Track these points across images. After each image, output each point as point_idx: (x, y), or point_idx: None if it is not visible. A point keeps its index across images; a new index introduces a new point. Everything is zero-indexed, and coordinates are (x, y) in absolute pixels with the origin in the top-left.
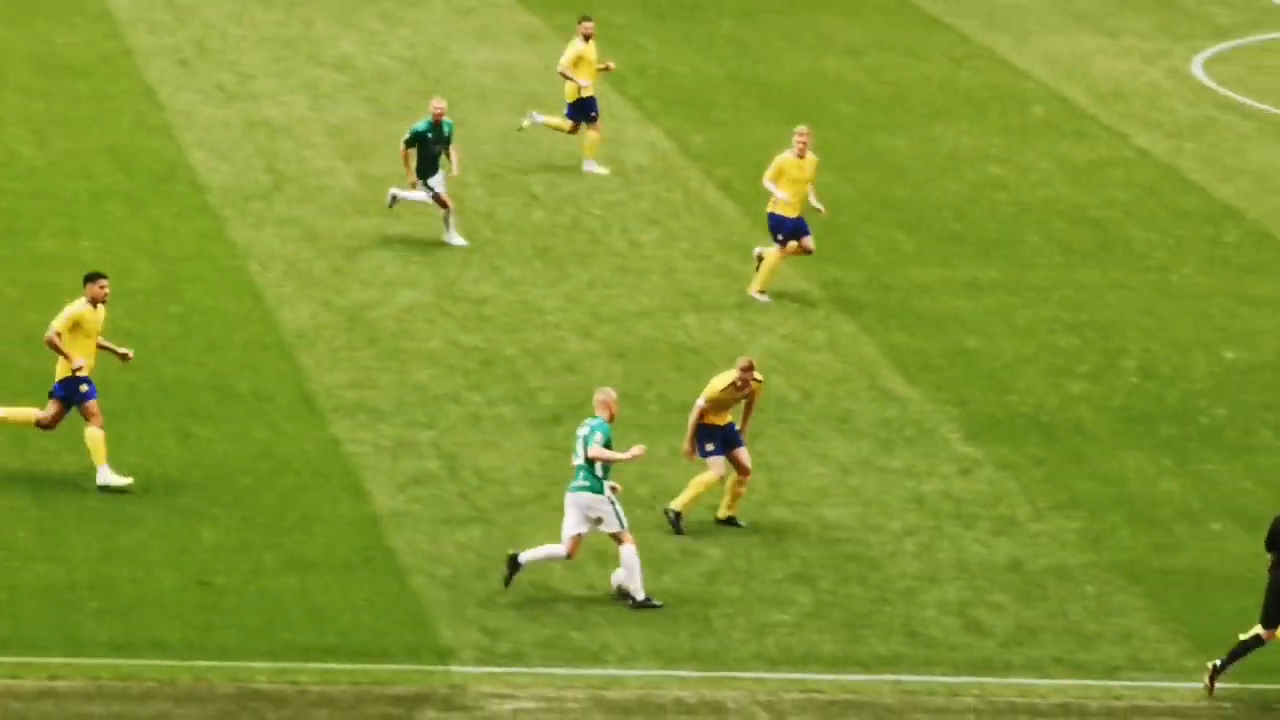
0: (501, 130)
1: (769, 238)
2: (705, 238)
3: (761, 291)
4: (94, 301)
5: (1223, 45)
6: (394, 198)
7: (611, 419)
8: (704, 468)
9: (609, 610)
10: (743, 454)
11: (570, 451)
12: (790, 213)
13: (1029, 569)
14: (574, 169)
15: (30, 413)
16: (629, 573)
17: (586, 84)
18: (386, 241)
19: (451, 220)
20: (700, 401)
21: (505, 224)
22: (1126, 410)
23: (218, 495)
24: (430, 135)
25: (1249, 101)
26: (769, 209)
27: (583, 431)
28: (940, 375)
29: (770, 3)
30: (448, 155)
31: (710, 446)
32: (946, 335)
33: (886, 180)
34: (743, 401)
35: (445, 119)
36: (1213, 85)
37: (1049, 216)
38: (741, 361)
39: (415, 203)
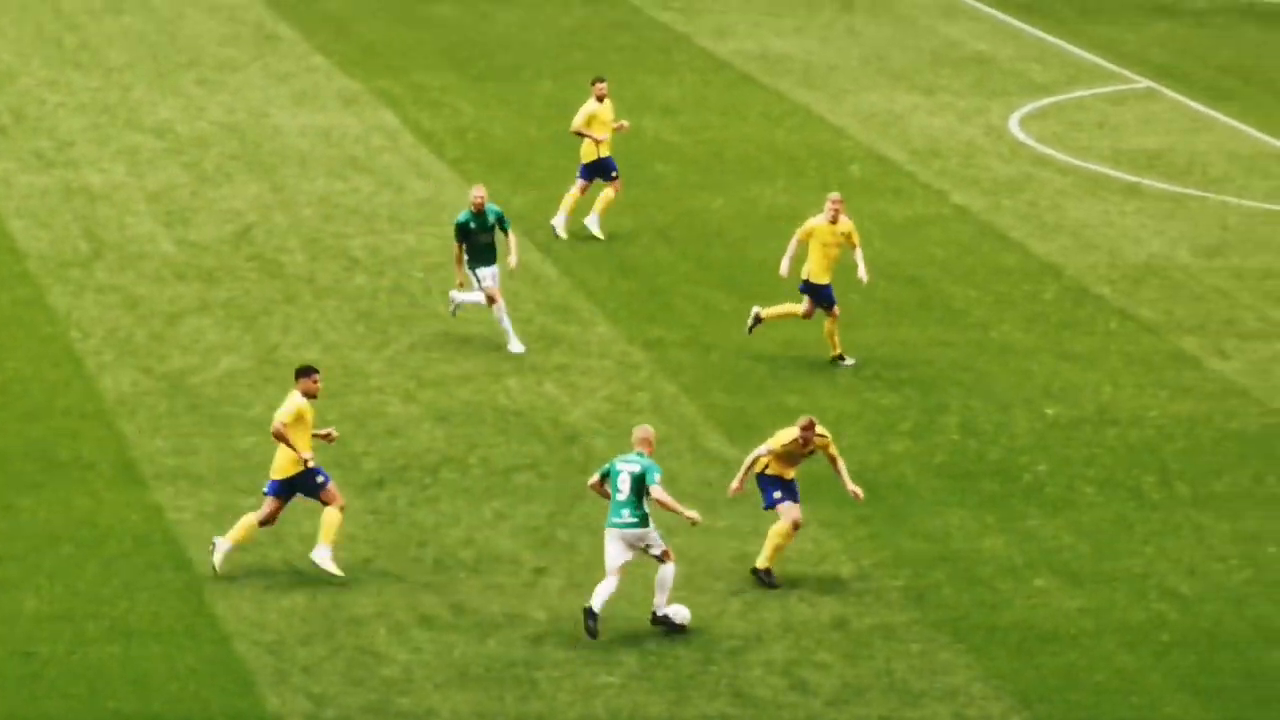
0: (322, 194)
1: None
2: (526, 300)
3: (841, 356)
4: (308, 395)
5: (1038, 102)
6: (454, 305)
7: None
8: (775, 517)
9: (435, 674)
10: (795, 510)
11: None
12: (823, 279)
13: (854, 627)
14: (394, 232)
15: (250, 521)
16: (662, 588)
17: (604, 138)
18: (206, 307)
19: (506, 320)
20: (762, 449)
21: (326, 288)
22: (949, 467)
23: (39, 564)
24: (474, 225)
25: (1065, 158)
26: (806, 278)
27: (631, 469)
28: (762, 435)
29: (587, 63)
30: (504, 244)
31: (778, 495)
32: (767, 395)
33: (704, 240)
34: (824, 458)
35: (488, 205)
36: (1029, 142)
37: (868, 274)
38: (801, 420)
39: (474, 305)
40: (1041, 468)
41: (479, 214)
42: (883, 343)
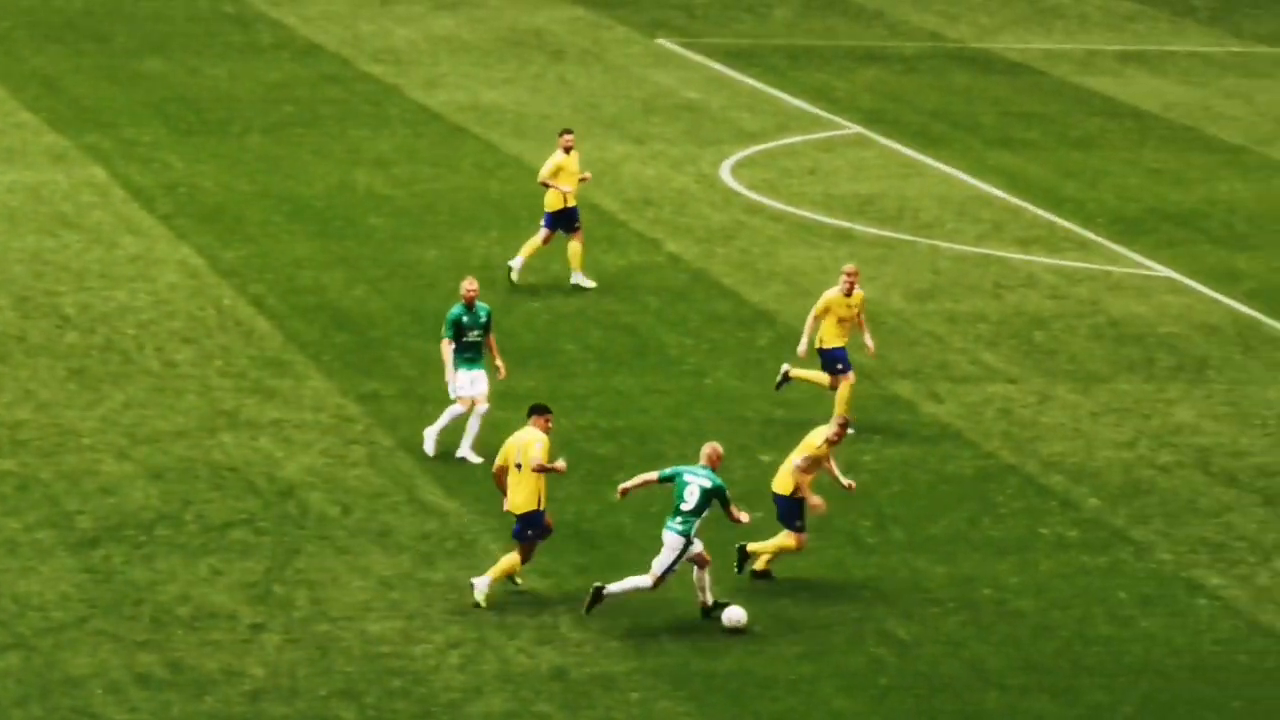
0: (32, 251)
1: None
2: (239, 355)
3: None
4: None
5: (749, 150)
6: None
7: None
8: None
9: None
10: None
11: None
12: (840, 343)
13: (573, 677)
14: (106, 289)
15: (510, 561)
16: (703, 586)
17: (569, 189)
18: None
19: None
20: (799, 461)
21: (38, 346)
22: (665, 516)
23: None
24: (465, 321)
25: (777, 205)
26: (819, 346)
27: (702, 484)
28: (479, 487)
29: (297, 116)
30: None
31: (799, 524)
32: (489, 446)
33: (418, 292)
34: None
35: (479, 303)
36: (741, 190)
37: (583, 324)
38: (837, 419)
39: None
40: (758, 514)
41: (470, 310)
42: (598, 392)
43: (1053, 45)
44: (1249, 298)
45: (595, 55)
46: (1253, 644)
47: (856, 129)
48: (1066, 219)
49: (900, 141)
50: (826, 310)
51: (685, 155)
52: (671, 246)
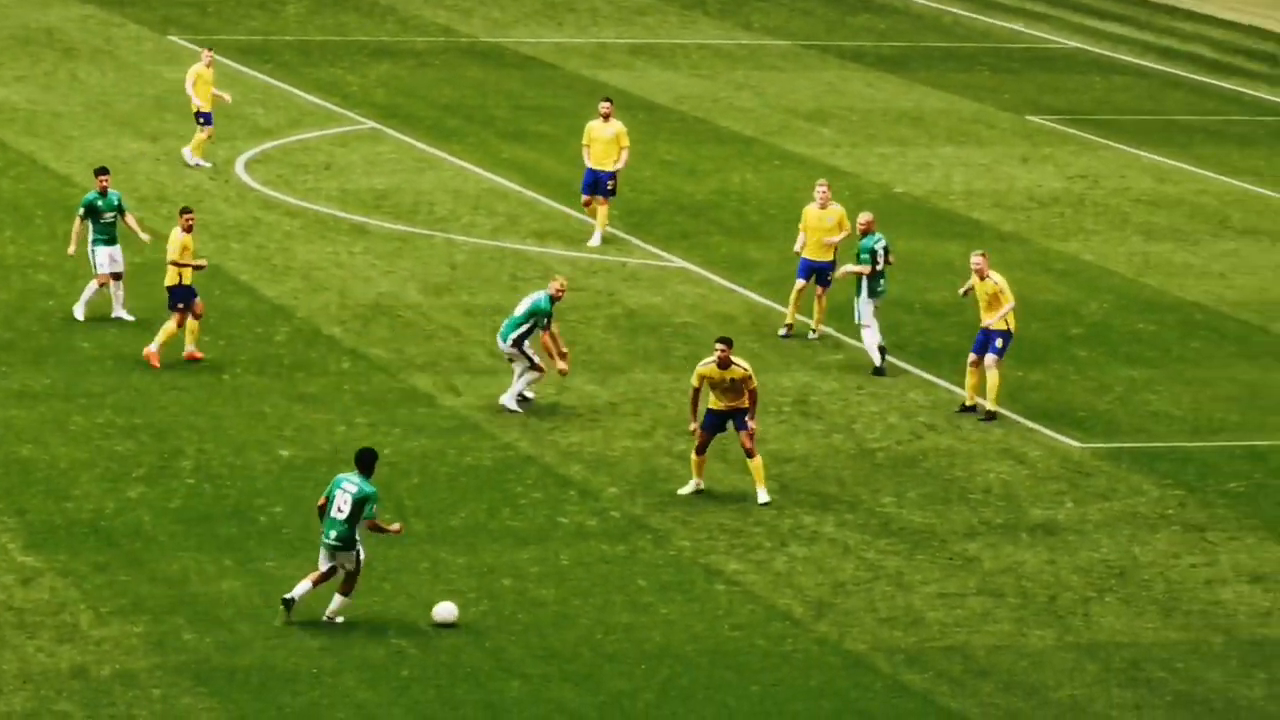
0: None
1: None
2: None
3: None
4: None
5: (263, 146)
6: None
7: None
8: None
9: None
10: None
11: None
12: (813, 257)
13: (94, 676)
14: None
15: None
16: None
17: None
18: None
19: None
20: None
21: None
22: (185, 511)
23: None
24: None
25: (292, 200)
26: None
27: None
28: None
29: None
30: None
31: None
32: (2, 445)
33: None
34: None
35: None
36: (256, 186)
37: (99, 323)
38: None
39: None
40: (278, 509)
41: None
42: (115, 389)
43: (564, 39)
44: (761, 287)
45: (107, 53)
46: (770, 629)
47: (371, 124)
48: (580, 211)
49: (414, 136)
50: (803, 222)
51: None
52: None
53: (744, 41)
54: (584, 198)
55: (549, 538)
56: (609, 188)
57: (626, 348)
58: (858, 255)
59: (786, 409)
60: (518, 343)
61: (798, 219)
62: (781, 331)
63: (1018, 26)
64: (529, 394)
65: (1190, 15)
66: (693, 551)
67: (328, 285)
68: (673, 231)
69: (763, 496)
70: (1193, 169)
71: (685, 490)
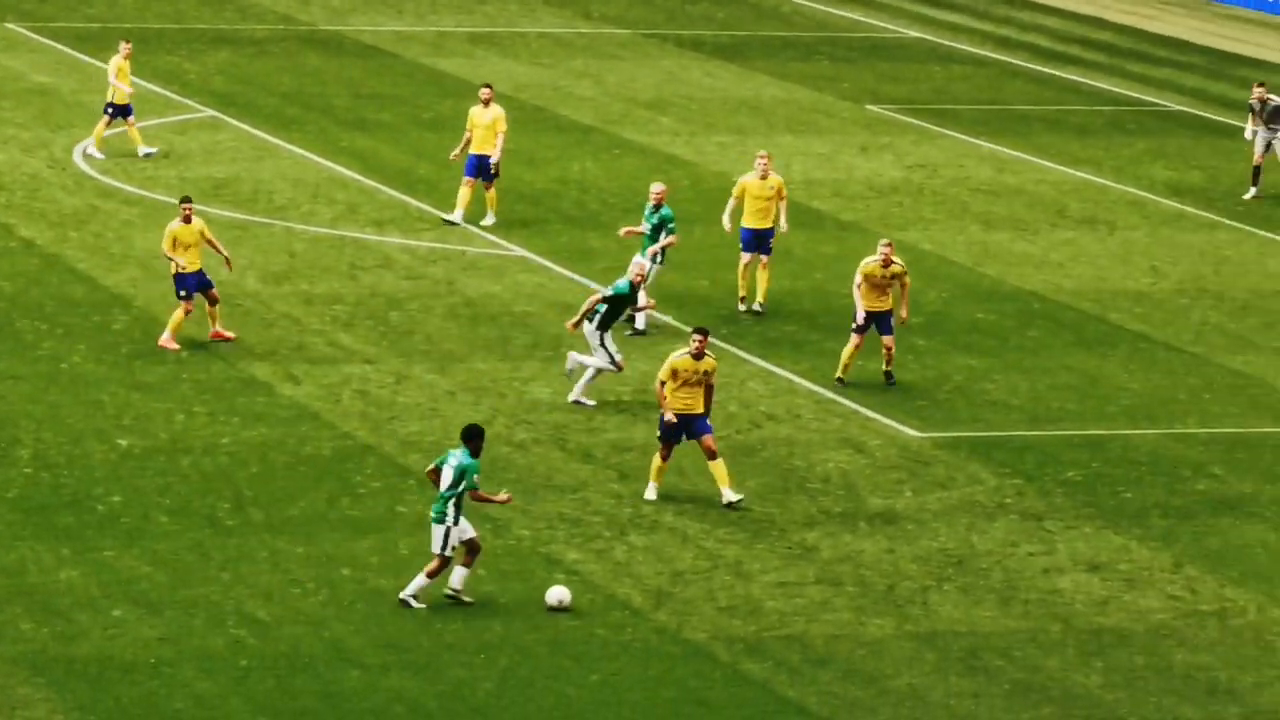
0: None
1: None
2: None
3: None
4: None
5: (103, 133)
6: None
7: None
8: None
9: None
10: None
11: None
12: (752, 225)
13: None
14: None
15: None
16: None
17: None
18: None
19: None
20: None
21: None
22: (23, 501)
23: None
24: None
25: (130, 189)
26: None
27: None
28: None
29: None
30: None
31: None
32: None
33: None
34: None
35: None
36: (94, 174)
37: None
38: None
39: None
40: (116, 498)
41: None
42: None
43: (404, 27)
44: (602, 275)
45: None
46: (610, 617)
47: (210, 112)
48: (420, 200)
49: (253, 124)
50: (743, 191)
51: (37, 139)
52: (24, 231)
53: (583, 30)
54: (466, 179)
55: (388, 527)
56: (492, 171)
57: (466, 336)
58: (654, 225)
59: (627, 398)
60: (602, 330)
61: (638, 208)
62: (741, 308)
63: (856, 16)
64: (587, 400)
65: (1028, 4)
66: (532, 541)
67: (166, 274)
68: (512, 220)
69: (729, 495)
70: (1031, 158)
71: (649, 495)
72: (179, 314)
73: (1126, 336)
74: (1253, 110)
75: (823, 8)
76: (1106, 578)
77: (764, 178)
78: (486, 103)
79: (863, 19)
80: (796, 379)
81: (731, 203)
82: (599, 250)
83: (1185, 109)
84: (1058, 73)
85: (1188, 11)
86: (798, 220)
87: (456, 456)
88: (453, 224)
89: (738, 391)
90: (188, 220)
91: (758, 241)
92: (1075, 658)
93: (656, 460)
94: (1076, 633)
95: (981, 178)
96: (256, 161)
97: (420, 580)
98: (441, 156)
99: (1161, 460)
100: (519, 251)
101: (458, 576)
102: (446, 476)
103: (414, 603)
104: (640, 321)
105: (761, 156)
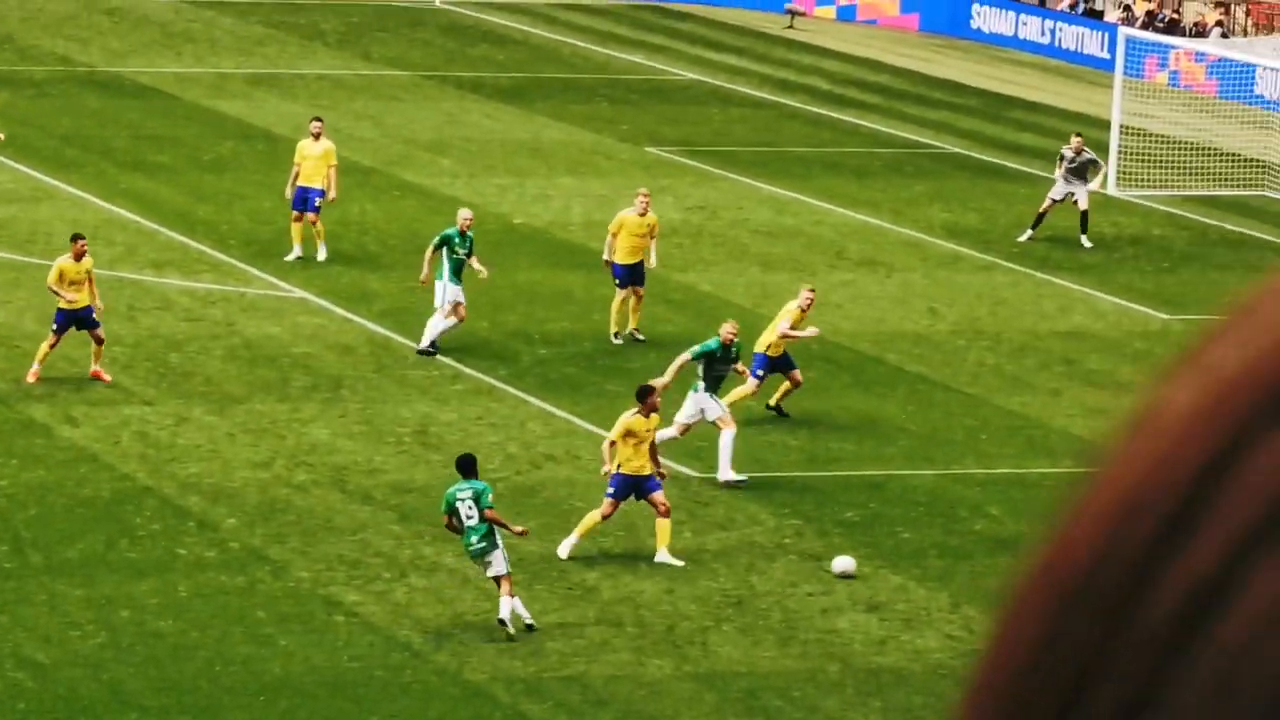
0: None
1: None
2: None
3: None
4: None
5: None
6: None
7: None
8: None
9: None
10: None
11: None
12: (627, 260)
13: None
14: None
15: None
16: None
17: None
18: None
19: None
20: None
21: None
22: None
23: None
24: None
25: None
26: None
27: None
28: None
29: None
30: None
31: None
32: None
33: None
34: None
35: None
36: None
37: None
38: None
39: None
40: None
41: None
42: None
43: (183, 69)
44: (381, 317)
45: None
46: (390, 659)
47: None
48: (200, 241)
49: (31, 165)
50: (620, 226)
51: None
52: None
53: (363, 72)
54: (294, 214)
55: (168, 569)
56: (317, 205)
57: (245, 378)
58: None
59: (407, 440)
60: (711, 389)
61: (418, 250)
62: (617, 341)
63: (637, 58)
64: (733, 476)
65: (806, 47)
66: (311, 583)
67: None
68: (291, 261)
69: (661, 556)
70: (810, 200)
71: (562, 552)
72: (45, 346)
73: (905, 378)
74: (1063, 158)
75: (603, 50)
76: (885, 617)
77: (643, 214)
78: (317, 136)
79: (643, 61)
80: (576, 420)
81: (610, 239)
82: (378, 292)
83: (962, 150)
84: (836, 114)
85: (962, 54)
86: (575, 262)
87: (465, 487)
88: (296, 260)
89: (518, 432)
90: (79, 258)
91: (632, 276)
92: (854, 697)
93: (595, 516)
94: (855, 672)
95: (761, 219)
96: (34, 203)
97: (510, 602)
98: (221, 198)
99: (939, 500)
100: (299, 293)
101: (505, 607)
102: (467, 508)
103: (528, 618)
104: (431, 341)
105: (642, 194)
